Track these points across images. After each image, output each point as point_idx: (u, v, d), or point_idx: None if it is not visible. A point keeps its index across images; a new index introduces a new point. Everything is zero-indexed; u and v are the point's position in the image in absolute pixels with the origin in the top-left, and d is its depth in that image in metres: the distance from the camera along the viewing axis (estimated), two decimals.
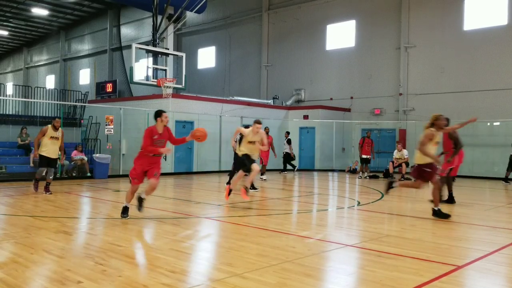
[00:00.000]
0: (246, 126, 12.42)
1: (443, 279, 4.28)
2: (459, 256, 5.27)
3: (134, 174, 7.18)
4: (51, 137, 10.46)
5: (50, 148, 10.47)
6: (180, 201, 10.30)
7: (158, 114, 7.23)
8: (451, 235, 6.54)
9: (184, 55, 17.97)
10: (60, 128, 10.68)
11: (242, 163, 9.15)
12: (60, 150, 10.81)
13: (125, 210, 7.26)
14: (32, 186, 10.90)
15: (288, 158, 18.65)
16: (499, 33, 17.77)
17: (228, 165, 19.43)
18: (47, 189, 10.54)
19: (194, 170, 18.33)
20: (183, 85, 17.44)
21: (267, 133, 15.46)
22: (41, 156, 10.52)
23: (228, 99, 20.81)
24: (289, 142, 18.58)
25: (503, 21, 17.80)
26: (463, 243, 6.08)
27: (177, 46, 26.81)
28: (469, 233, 6.93)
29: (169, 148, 7.38)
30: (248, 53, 26.21)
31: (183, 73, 17.83)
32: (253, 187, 11.84)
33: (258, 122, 9.10)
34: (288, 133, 19.15)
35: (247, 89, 25.12)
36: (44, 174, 10.61)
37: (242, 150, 9.11)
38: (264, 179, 15.10)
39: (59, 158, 10.89)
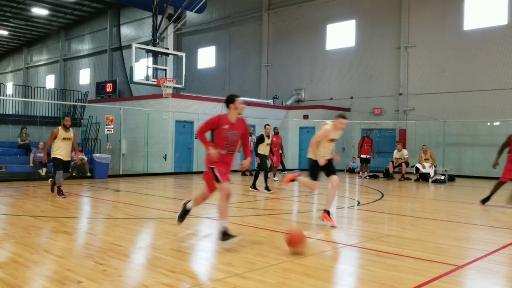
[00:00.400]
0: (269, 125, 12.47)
1: (443, 279, 4.28)
2: (459, 256, 5.27)
3: (222, 177, 5.57)
4: (64, 139, 9.86)
5: (64, 150, 9.86)
6: (180, 201, 10.29)
7: (231, 99, 5.67)
8: (451, 235, 6.54)
9: (184, 55, 17.98)
10: (71, 128, 10.15)
11: (311, 172, 7.24)
12: (74, 149, 10.34)
13: (183, 213, 6.05)
14: (56, 196, 9.89)
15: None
16: (499, 33, 17.77)
17: None
18: (52, 188, 10.23)
19: (194, 170, 18.32)
20: (183, 85, 17.44)
21: (276, 133, 15.35)
22: (55, 159, 9.85)
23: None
24: None
25: (503, 21, 17.79)
26: (463, 243, 6.08)
27: (177, 46, 26.80)
28: (469, 233, 6.93)
29: (218, 153, 5.49)
30: (248, 53, 26.20)
31: (183, 73, 17.84)
32: (267, 188, 11.64)
33: (343, 116, 7.16)
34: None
35: (247, 89, 25.12)
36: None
37: (317, 152, 7.21)
38: (276, 180, 14.98)
39: (72, 159, 10.25)
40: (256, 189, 11.80)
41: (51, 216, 7.54)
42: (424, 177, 15.86)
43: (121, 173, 16.43)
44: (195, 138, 18.33)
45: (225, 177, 5.54)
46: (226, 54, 27.33)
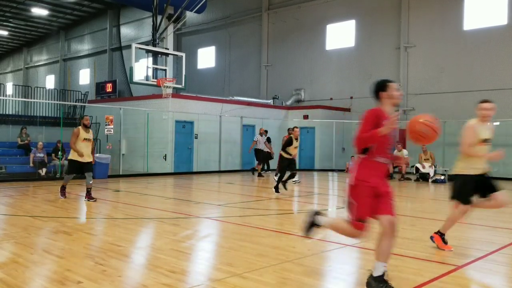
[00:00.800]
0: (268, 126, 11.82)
1: (443, 279, 4.28)
2: (459, 256, 5.27)
3: (361, 210, 3.98)
4: (84, 139, 9.45)
5: (84, 151, 9.36)
6: (180, 201, 10.30)
7: (382, 86, 4.18)
8: (451, 235, 6.54)
9: (184, 55, 17.98)
10: (90, 129, 9.76)
11: (462, 189, 5.39)
12: (92, 151, 9.69)
13: None
14: (58, 193, 9.80)
15: (267, 157, 17.34)
16: (498, 33, 17.77)
17: (229, 165, 19.46)
18: (90, 196, 9.46)
19: (194, 170, 18.32)
20: (183, 85, 17.45)
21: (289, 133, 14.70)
22: (71, 161, 9.46)
23: (228, 99, 20.81)
24: (268, 140, 17.33)
25: (502, 21, 17.78)
26: (463, 243, 6.08)
27: (177, 46, 26.79)
28: (469, 233, 6.93)
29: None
30: (248, 53, 26.20)
31: (183, 73, 17.84)
32: (277, 189, 11.38)
33: (484, 100, 5.52)
34: (266, 131, 17.79)
35: (247, 89, 25.12)
36: (70, 179, 9.70)
37: (464, 161, 5.34)
38: (298, 182, 14.34)
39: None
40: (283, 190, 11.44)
41: (51, 216, 7.54)
42: (424, 177, 15.87)
43: (121, 173, 16.43)
44: (195, 138, 18.34)
45: (360, 224, 3.98)
46: (226, 54, 27.33)
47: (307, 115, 21.59)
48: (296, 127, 12.12)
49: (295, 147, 11.66)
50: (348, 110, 21.95)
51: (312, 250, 5.42)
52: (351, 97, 21.89)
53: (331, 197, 11.81)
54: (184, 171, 17.93)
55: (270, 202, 10.34)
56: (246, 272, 4.36)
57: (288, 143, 11.68)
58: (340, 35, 22.53)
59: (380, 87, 4.19)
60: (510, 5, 17.59)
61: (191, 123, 18.25)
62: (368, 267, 4.68)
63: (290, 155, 11.51)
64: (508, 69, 17.43)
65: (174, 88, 17.16)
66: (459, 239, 6.27)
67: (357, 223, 3.94)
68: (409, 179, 16.39)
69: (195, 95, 19.57)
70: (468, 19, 18.70)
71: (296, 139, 11.74)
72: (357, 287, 4.21)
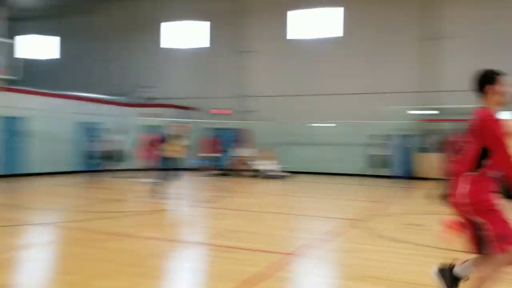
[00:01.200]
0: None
1: (279, 268, 4.67)
2: (294, 245, 5.80)
3: (504, 225, 3.05)
4: None
5: None
6: (8, 207, 9.24)
7: (490, 78, 3.25)
8: (287, 226, 7.15)
9: (14, 42, 16.13)
10: None
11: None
12: None
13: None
14: None
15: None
16: (334, 43, 19.88)
17: (64, 165, 18.02)
18: None
19: (27, 171, 16.52)
20: (13, 76, 15.72)
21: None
22: None
23: (66, 94, 19.29)
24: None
25: (338, 33, 19.84)
26: (298, 233, 6.71)
27: (6, 32, 23.81)
28: (304, 223, 7.63)
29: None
30: (89, 46, 24.62)
31: (14, 63, 16.04)
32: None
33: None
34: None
35: (89, 84, 23.58)
36: None
37: None
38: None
39: None
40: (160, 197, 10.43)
41: None
42: (264, 174, 16.99)
43: None
44: (28, 136, 16.57)
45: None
46: (67, 45, 25.26)
47: (154, 113, 21.26)
48: (176, 123, 11.04)
49: (178, 145, 10.73)
50: (194, 109, 22.28)
51: (157, 251, 5.41)
52: (196, 97, 22.27)
53: (177, 195, 11.86)
54: (15, 173, 16.03)
55: (108, 204, 9.95)
56: (88, 279, 4.14)
57: (165, 140, 10.78)
58: (185, 34, 22.77)
59: (487, 79, 3.26)
60: (345, 19, 19.79)
61: (22, 119, 16.46)
62: (213, 263, 4.87)
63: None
64: (337, 77, 19.63)
65: (3, 80, 15.33)
66: (295, 229, 6.91)
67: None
68: (250, 176, 17.34)
69: (28, 89, 17.68)
70: (293, 29, 20.52)
71: (176, 135, 10.69)
72: (203, 282, 4.35)
